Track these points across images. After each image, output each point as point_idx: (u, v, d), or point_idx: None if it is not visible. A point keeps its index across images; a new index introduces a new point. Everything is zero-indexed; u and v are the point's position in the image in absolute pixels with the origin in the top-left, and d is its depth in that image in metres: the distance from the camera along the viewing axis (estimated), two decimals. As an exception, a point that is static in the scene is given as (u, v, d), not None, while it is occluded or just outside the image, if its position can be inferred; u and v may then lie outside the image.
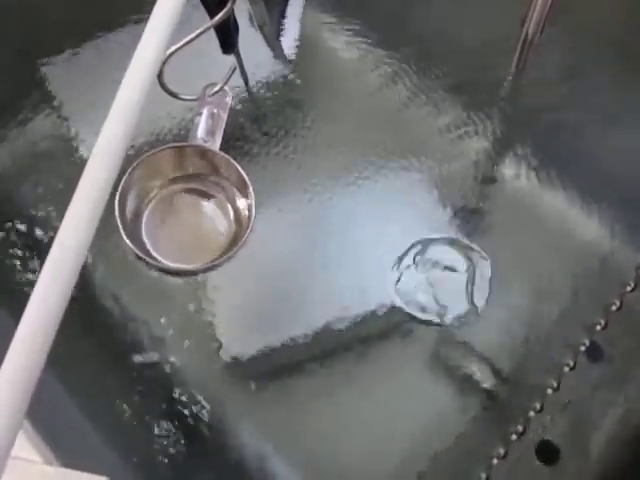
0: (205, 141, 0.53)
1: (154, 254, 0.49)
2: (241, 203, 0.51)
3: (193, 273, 0.49)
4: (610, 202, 0.53)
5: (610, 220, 0.52)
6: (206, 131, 0.53)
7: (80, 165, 0.28)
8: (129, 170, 0.50)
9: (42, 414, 0.34)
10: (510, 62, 0.60)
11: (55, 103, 0.57)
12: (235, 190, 0.52)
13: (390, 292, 0.49)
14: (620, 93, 0.59)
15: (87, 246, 0.27)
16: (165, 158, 0.52)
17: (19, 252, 0.50)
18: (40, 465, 0.34)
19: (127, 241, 0.48)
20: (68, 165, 0.53)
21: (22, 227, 0.51)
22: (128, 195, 0.50)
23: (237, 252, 0.49)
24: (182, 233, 0.51)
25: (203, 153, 0.52)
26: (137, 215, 0.51)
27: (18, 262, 0.49)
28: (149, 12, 0.33)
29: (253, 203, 0.50)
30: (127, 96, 0.30)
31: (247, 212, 0.51)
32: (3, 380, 0.24)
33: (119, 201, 0.48)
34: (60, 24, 0.61)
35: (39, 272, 0.26)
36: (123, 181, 0.49)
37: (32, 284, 0.25)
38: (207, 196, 0.53)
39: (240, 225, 0.51)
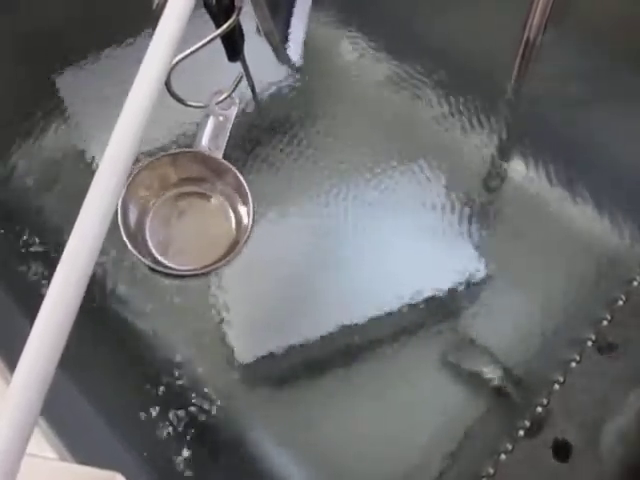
0: (209, 148, 0.53)
1: (157, 257, 0.50)
2: (242, 209, 0.52)
3: (192, 276, 0.50)
4: (616, 198, 0.53)
5: (616, 216, 0.52)
6: (211, 138, 0.54)
7: (92, 174, 0.29)
8: (133, 174, 0.50)
9: (57, 413, 0.35)
10: (513, 63, 0.61)
11: (67, 114, 0.58)
12: (237, 196, 0.53)
13: (397, 292, 0.49)
14: (626, 92, 0.59)
15: (98, 250, 0.28)
16: (169, 163, 0.53)
17: (33, 258, 0.50)
18: (55, 461, 0.35)
19: (128, 244, 0.49)
20: (80, 174, 0.54)
21: (35, 235, 0.51)
22: (131, 199, 0.51)
23: (235, 257, 0.49)
24: (184, 236, 0.52)
25: (206, 159, 0.53)
26: (140, 218, 0.52)
27: (32, 268, 0.50)
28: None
29: (252, 210, 0.51)
30: (135, 105, 0.31)
31: (247, 218, 0.51)
32: (18, 379, 0.24)
33: (122, 204, 0.49)
34: (72, 36, 0.62)
35: (52, 277, 0.27)
36: (126, 185, 0.50)
37: (45, 288, 0.26)
38: (209, 201, 0.53)
39: (240, 231, 0.51)
